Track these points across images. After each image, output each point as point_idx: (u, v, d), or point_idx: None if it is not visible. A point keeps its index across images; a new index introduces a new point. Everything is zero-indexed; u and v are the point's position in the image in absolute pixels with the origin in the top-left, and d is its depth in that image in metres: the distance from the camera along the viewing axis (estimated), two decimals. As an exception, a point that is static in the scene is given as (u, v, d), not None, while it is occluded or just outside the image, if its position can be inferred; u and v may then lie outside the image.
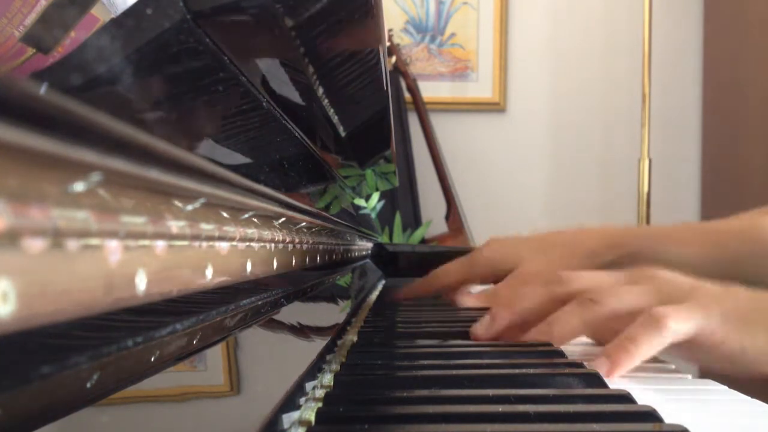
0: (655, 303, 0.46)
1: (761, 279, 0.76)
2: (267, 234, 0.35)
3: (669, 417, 0.31)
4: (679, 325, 0.44)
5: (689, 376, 0.45)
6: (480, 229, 2.06)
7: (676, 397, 0.40)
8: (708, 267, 0.71)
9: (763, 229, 0.73)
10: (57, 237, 0.14)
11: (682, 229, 0.78)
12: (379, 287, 1.12)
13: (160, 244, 0.20)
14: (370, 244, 1.23)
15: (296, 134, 0.47)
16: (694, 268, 0.71)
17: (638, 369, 0.45)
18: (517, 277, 0.69)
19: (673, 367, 0.48)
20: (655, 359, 0.48)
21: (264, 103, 0.39)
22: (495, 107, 2.24)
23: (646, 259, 0.74)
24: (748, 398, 0.39)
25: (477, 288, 0.84)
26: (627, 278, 0.51)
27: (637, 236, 0.76)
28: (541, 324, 0.50)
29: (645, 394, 0.39)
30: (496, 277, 0.75)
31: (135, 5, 0.24)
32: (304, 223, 0.48)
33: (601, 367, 0.43)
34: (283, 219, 0.39)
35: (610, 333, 0.47)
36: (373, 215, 1.60)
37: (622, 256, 0.76)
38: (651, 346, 0.44)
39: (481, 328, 0.54)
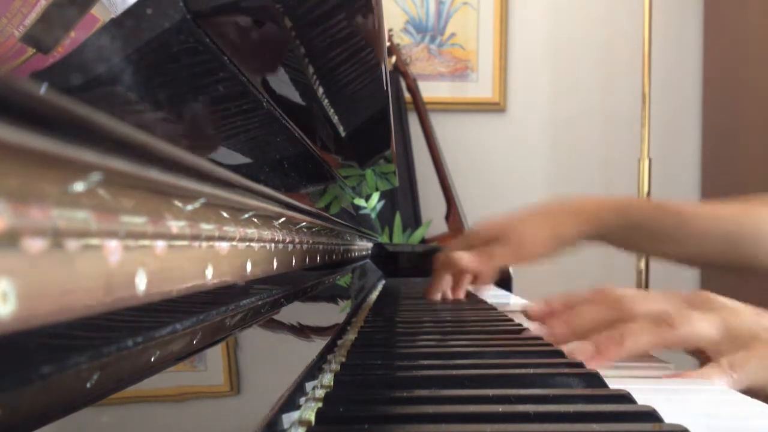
0: (724, 339, 0.47)
1: (753, 260, 0.78)
2: (267, 234, 0.35)
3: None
4: (741, 377, 0.44)
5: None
6: (480, 229, 2.06)
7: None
8: (709, 242, 0.75)
9: (755, 215, 0.79)
10: (57, 237, 0.14)
11: (683, 205, 0.80)
12: (379, 287, 1.12)
13: (160, 244, 0.20)
14: (370, 244, 1.23)
15: (296, 134, 0.47)
16: (696, 242, 0.73)
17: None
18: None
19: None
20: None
21: (264, 103, 0.39)
22: (495, 107, 2.24)
23: (651, 230, 0.75)
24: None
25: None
26: (689, 302, 0.51)
27: (641, 208, 0.78)
28: (614, 331, 0.48)
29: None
30: (495, 237, 0.78)
31: (135, 5, 0.24)
32: (304, 223, 0.48)
33: (584, 350, 0.46)
34: (283, 219, 0.39)
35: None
36: (373, 215, 1.60)
37: (626, 226, 0.77)
38: (648, 339, 0.46)
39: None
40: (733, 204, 0.82)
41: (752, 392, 0.42)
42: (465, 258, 0.68)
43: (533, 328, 0.59)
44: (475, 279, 0.84)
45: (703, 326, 0.47)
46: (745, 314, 0.48)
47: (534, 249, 0.78)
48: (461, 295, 0.86)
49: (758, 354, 0.45)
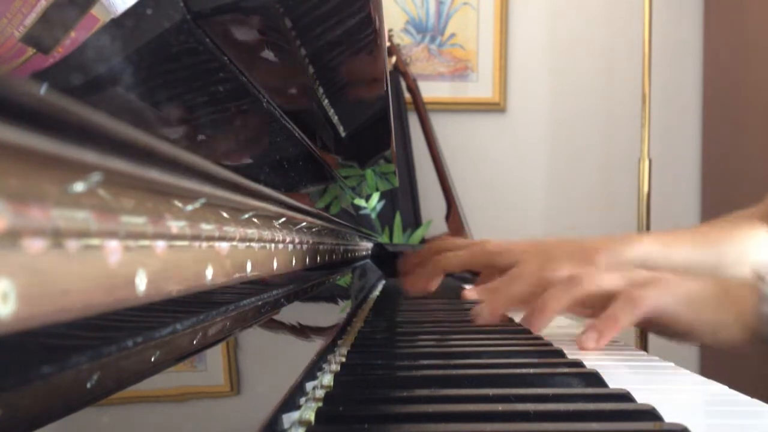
0: (627, 286, 0.58)
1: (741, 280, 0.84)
2: (267, 234, 0.35)
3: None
4: (650, 302, 0.56)
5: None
6: (480, 229, 2.06)
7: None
8: (694, 269, 0.83)
9: (741, 234, 0.87)
10: (57, 237, 0.14)
11: (672, 238, 0.87)
12: (379, 287, 1.12)
13: (160, 245, 0.20)
14: (370, 244, 1.23)
15: (296, 134, 0.47)
16: (686, 270, 0.80)
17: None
18: (515, 272, 0.77)
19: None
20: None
21: (264, 104, 0.39)
22: (495, 107, 2.24)
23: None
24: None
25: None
26: (632, 280, 0.60)
27: (630, 251, 0.83)
28: (538, 300, 0.59)
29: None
30: (492, 270, 0.83)
31: (135, 5, 0.24)
32: (304, 223, 0.48)
33: (590, 337, 0.55)
34: (283, 219, 0.39)
35: (590, 308, 0.60)
36: (373, 215, 1.60)
37: (617, 268, 0.82)
38: (629, 319, 0.55)
39: (485, 312, 0.64)
40: (714, 229, 0.91)
41: (661, 318, 0.56)
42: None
43: (471, 294, 0.77)
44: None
45: (606, 278, 0.59)
46: (641, 271, 0.61)
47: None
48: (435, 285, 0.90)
49: (660, 289, 0.57)
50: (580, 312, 0.65)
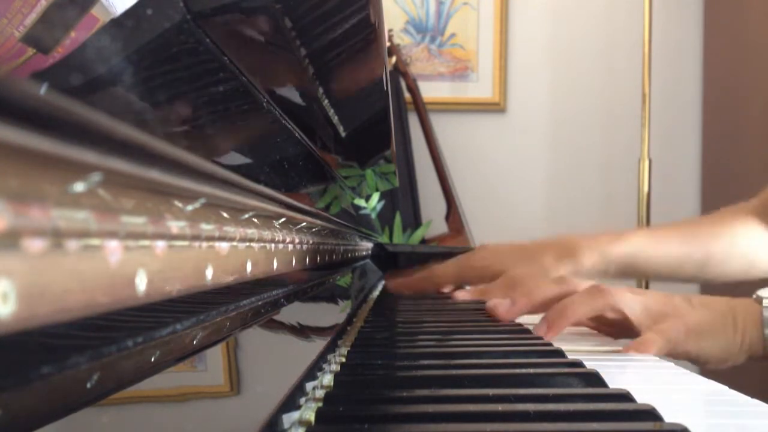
0: (644, 313, 0.60)
1: (727, 276, 0.86)
2: (267, 234, 0.35)
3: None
4: (667, 342, 0.57)
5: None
6: (480, 229, 2.06)
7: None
8: (683, 263, 0.87)
9: (731, 228, 0.88)
10: (57, 237, 0.14)
11: (662, 233, 0.89)
12: (379, 287, 1.12)
13: (161, 245, 0.20)
14: (370, 244, 1.23)
15: (296, 134, 0.47)
16: (674, 267, 0.87)
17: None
18: (507, 278, 0.81)
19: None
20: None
21: (264, 104, 0.39)
22: (495, 107, 2.24)
23: (626, 267, 0.88)
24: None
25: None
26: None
27: (618, 247, 0.85)
28: (558, 305, 0.61)
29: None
30: (484, 280, 0.86)
31: (135, 5, 0.24)
32: (304, 224, 0.48)
33: (541, 328, 0.59)
34: (283, 219, 0.39)
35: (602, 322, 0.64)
36: (373, 215, 1.60)
37: (605, 264, 0.84)
38: (584, 310, 0.60)
39: (502, 309, 0.66)
40: (705, 224, 0.93)
41: (673, 352, 0.58)
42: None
43: (463, 296, 0.81)
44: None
45: (629, 298, 0.60)
46: (656, 295, 0.63)
47: (537, 290, 0.83)
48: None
49: (673, 324, 0.59)
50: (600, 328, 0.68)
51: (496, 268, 0.86)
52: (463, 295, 0.84)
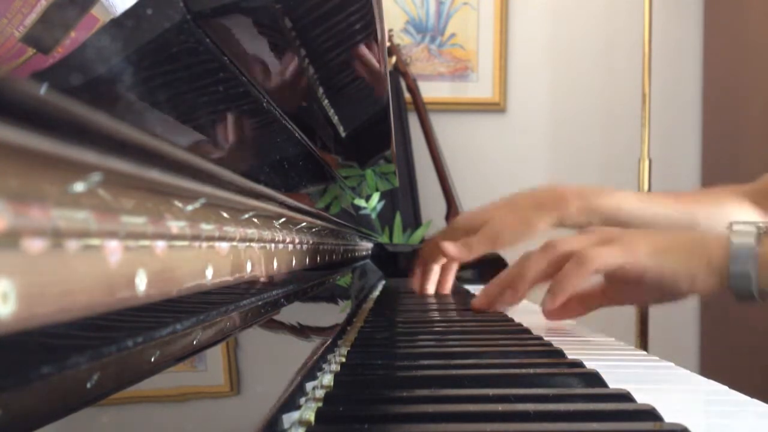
0: (587, 246, 0.63)
1: None
2: (267, 234, 0.35)
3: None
4: (601, 261, 0.61)
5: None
6: (480, 229, 2.06)
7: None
8: (667, 225, 0.86)
9: (720, 200, 0.91)
10: (57, 237, 0.14)
11: (650, 195, 0.90)
12: (380, 287, 1.12)
13: (160, 245, 0.20)
14: (370, 244, 1.23)
15: (296, 134, 0.47)
16: (657, 227, 0.83)
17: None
18: (486, 228, 0.84)
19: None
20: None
21: (264, 104, 0.39)
22: (495, 107, 2.24)
23: (609, 220, 0.87)
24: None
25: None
26: (597, 239, 0.65)
27: (603, 200, 0.85)
28: (553, 284, 0.64)
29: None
30: (472, 231, 0.87)
31: (135, 5, 0.24)
32: (304, 224, 0.48)
33: (545, 302, 0.63)
34: (283, 219, 0.39)
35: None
36: (373, 215, 1.60)
37: (587, 216, 0.84)
38: (578, 280, 0.62)
39: (451, 248, 0.73)
40: (693, 194, 0.95)
41: (636, 264, 0.60)
42: (451, 248, 0.76)
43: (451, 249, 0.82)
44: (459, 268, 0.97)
45: (608, 254, 0.61)
46: (607, 229, 0.66)
47: (506, 237, 0.87)
48: (449, 286, 0.94)
49: (616, 244, 0.61)
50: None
51: (479, 219, 0.87)
52: (451, 247, 0.85)
